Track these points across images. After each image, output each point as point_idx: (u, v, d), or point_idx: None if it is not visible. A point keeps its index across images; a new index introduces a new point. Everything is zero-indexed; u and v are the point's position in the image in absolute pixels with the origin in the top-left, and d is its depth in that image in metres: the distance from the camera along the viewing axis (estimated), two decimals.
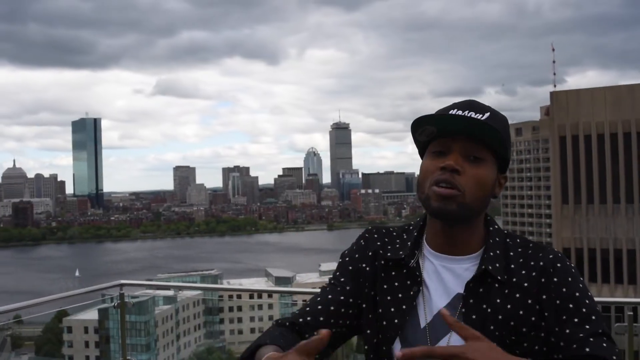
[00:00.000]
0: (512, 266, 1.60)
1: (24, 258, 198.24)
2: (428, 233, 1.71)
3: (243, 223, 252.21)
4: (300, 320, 1.68)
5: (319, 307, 1.71)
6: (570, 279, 1.58)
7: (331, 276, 1.80)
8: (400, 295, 1.64)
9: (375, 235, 1.79)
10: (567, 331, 1.51)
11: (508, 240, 1.67)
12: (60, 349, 65.41)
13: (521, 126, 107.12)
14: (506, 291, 1.57)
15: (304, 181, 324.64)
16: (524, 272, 1.59)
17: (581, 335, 1.50)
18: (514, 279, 1.58)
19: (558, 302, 1.55)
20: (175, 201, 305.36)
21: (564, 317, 1.53)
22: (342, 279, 1.75)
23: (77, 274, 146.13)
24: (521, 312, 1.55)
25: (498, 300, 1.56)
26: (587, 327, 1.51)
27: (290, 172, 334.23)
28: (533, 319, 1.54)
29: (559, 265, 1.59)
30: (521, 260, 1.61)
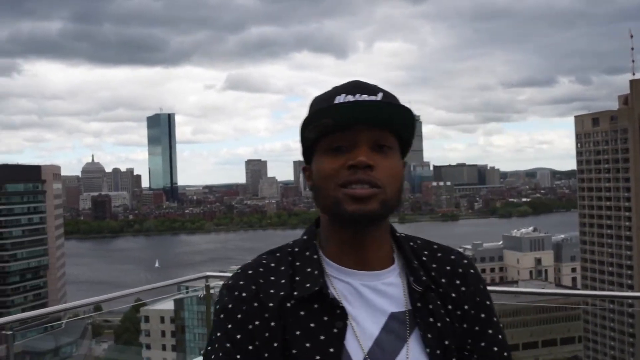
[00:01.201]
0: (433, 274, 1.40)
1: (103, 250, 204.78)
2: (329, 248, 1.39)
3: (314, 216, 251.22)
4: None
5: None
6: (481, 287, 1.43)
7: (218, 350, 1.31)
8: (322, 338, 1.26)
9: (252, 276, 1.35)
10: (482, 344, 1.37)
11: (411, 243, 1.45)
12: (138, 338, 67.40)
13: (598, 116, 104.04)
14: (438, 302, 1.37)
15: None
16: (444, 280, 1.41)
17: (495, 349, 1.37)
18: (441, 289, 1.39)
19: (473, 312, 1.40)
20: (248, 194, 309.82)
21: (477, 329, 1.38)
22: (237, 347, 1.29)
23: (157, 264, 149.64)
24: (456, 324, 1.37)
25: (442, 312, 1.36)
26: (497, 340, 1.39)
27: None
28: (461, 330, 1.37)
29: (472, 271, 1.45)
30: (434, 265, 1.42)
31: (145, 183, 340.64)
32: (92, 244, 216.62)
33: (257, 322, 1.29)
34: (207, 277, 5.95)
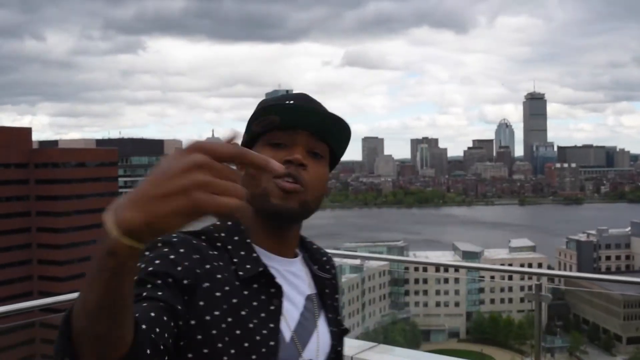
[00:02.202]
0: (322, 264, 1.60)
1: None
2: (257, 235, 1.46)
3: (431, 195, 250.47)
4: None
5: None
6: (335, 272, 1.66)
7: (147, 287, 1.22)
8: (263, 315, 1.36)
9: (190, 240, 1.35)
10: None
11: (306, 238, 1.64)
12: None
13: None
14: (332, 284, 1.60)
15: (494, 154, 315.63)
16: (327, 267, 1.62)
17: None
18: (332, 278, 1.61)
19: (335, 304, 1.60)
20: (364, 172, 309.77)
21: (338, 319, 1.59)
22: (160, 293, 1.21)
23: None
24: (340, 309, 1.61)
25: (333, 296, 1.58)
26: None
27: (480, 144, 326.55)
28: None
29: (332, 262, 1.68)
30: (318, 256, 1.61)
31: None
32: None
33: (198, 271, 1.29)
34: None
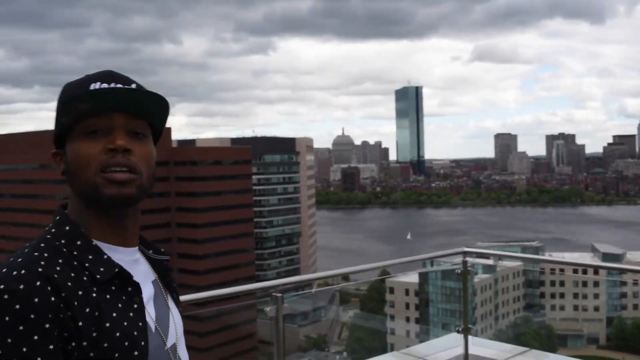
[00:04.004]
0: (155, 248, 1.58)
1: (352, 220, 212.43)
2: (92, 231, 1.39)
3: (567, 194, 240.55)
4: None
5: None
6: None
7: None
8: (131, 315, 1.33)
9: (41, 276, 1.23)
10: None
11: None
12: (383, 308, 68.67)
13: None
14: (167, 270, 1.58)
15: (637, 150, 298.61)
16: (161, 253, 1.59)
17: None
18: (166, 259, 1.57)
19: (174, 284, 1.60)
20: (496, 169, 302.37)
21: None
22: (51, 346, 1.20)
23: (408, 237, 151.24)
24: None
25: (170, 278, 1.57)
26: None
27: (621, 140, 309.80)
28: None
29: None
30: (147, 242, 1.57)
31: (392, 156, 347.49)
32: (341, 214, 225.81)
33: (63, 315, 1.22)
34: (464, 253, 5.80)
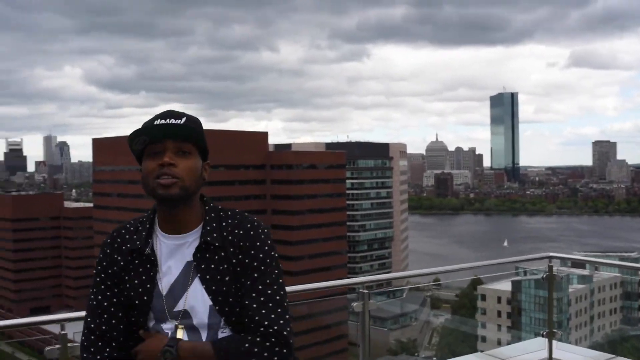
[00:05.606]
0: (225, 234, 2.10)
1: (444, 225, 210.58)
2: (159, 220, 2.15)
3: None
4: (104, 329, 2.11)
5: (106, 315, 2.12)
6: (258, 244, 2.09)
7: (94, 289, 2.16)
8: (144, 278, 2.09)
9: (115, 238, 2.18)
10: (246, 301, 2.03)
11: (222, 214, 2.16)
12: (474, 315, 68.33)
13: None
14: (222, 254, 2.07)
15: None
16: (230, 237, 2.09)
17: (260, 297, 2.02)
18: (225, 245, 2.08)
19: (247, 261, 2.07)
20: (594, 177, 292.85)
21: (249, 273, 2.05)
22: (103, 286, 2.15)
23: (505, 244, 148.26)
24: (233, 272, 2.06)
25: (222, 263, 2.06)
26: (263, 296, 2.03)
27: None
28: (236, 280, 2.06)
29: (252, 233, 2.10)
30: (230, 229, 2.11)
31: (486, 162, 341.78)
32: (433, 220, 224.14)
33: (115, 268, 2.13)
34: (549, 258, 5.69)
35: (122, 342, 2.12)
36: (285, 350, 1.97)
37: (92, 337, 2.10)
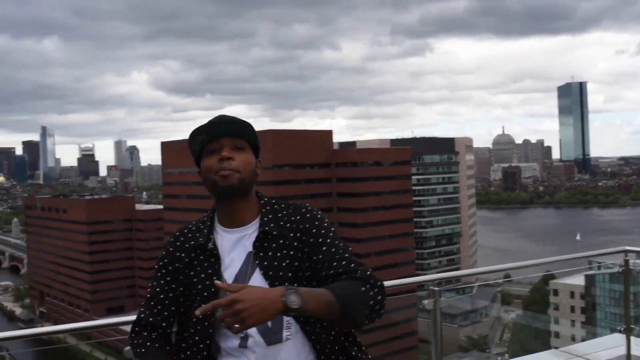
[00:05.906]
0: (281, 223, 2.24)
1: (513, 219, 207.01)
2: (219, 216, 2.30)
3: None
4: (151, 321, 2.25)
5: (159, 306, 2.27)
6: (317, 222, 2.24)
7: (153, 283, 2.31)
8: (209, 271, 2.20)
9: (178, 237, 2.33)
10: (325, 263, 2.15)
11: (276, 206, 2.31)
12: (546, 310, 66.89)
13: None
14: (281, 242, 2.21)
15: None
16: (288, 225, 2.24)
17: (336, 257, 2.15)
18: (284, 233, 2.22)
19: (312, 240, 2.20)
20: None
21: (319, 247, 2.18)
22: (162, 281, 2.29)
23: (577, 237, 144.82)
24: (295, 257, 2.19)
25: (280, 250, 2.19)
26: (338, 255, 2.15)
27: None
28: (305, 261, 2.18)
29: (308, 215, 2.25)
30: (287, 218, 2.25)
31: (555, 154, 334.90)
32: (502, 214, 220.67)
33: (177, 265, 2.27)
34: (625, 252, 5.59)
35: (167, 334, 2.27)
36: (383, 291, 2.11)
37: (138, 327, 2.26)
